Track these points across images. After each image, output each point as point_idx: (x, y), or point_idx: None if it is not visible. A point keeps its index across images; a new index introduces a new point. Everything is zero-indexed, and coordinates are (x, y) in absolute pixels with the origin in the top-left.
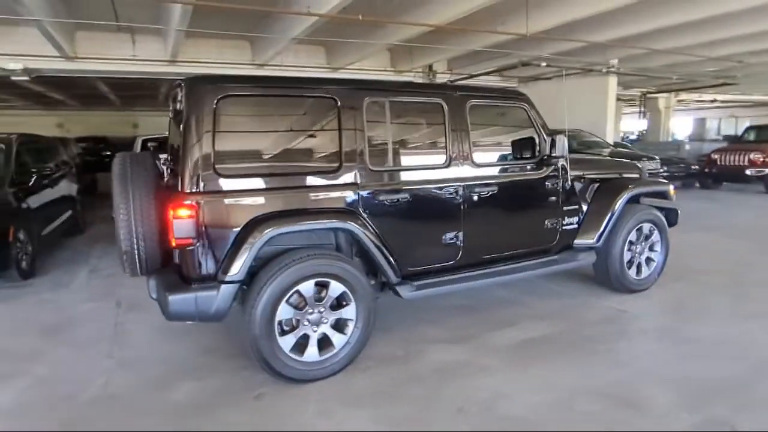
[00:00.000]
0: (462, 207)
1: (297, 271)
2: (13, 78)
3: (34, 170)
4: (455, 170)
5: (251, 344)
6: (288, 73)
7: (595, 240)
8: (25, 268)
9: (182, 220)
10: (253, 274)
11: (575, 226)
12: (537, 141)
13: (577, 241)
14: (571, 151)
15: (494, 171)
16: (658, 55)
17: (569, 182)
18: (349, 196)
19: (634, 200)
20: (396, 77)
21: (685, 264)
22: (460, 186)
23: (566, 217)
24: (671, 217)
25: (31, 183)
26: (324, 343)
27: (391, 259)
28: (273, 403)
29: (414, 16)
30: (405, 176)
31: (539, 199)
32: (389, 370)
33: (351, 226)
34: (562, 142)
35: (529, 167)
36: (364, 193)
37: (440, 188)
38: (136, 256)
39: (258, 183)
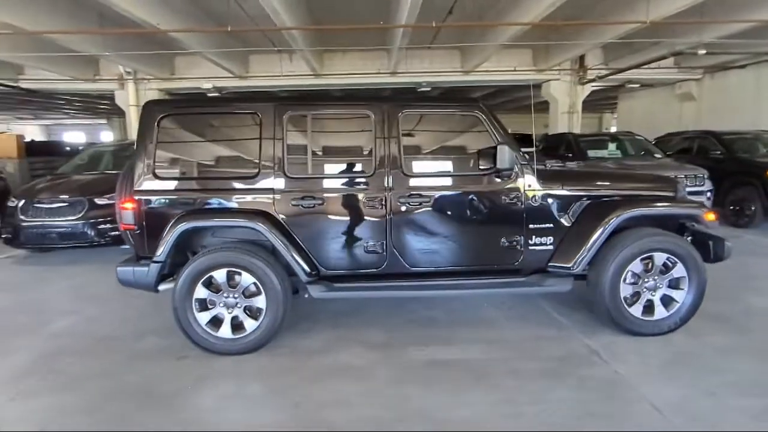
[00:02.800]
0: (388, 216)
1: (209, 260)
2: (209, 94)
3: None
4: (381, 180)
5: (173, 313)
6: (418, 78)
7: (571, 266)
8: None
9: (126, 211)
10: None
11: (549, 247)
12: (493, 152)
13: (552, 265)
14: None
15: (431, 182)
16: None
17: (538, 197)
18: (266, 199)
19: (673, 225)
20: (536, 76)
21: None
22: (385, 195)
23: (534, 237)
24: (718, 249)
25: None
26: (239, 324)
27: (300, 258)
28: (184, 364)
29: (510, 15)
30: (324, 183)
31: (490, 214)
32: (293, 359)
33: (254, 224)
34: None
35: (477, 179)
36: (279, 197)
37: (362, 196)
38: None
39: (188, 185)
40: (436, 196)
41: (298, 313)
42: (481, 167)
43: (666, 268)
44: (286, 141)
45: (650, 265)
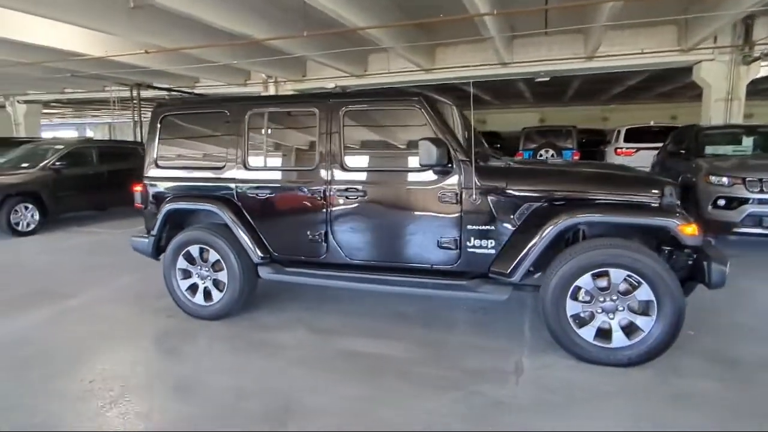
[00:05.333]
0: (327, 208)
1: (184, 237)
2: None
3: None
4: (322, 173)
5: (163, 278)
6: (533, 67)
7: (507, 272)
8: None
9: (137, 192)
10: None
11: (491, 250)
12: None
13: (493, 270)
14: None
15: (367, 176)
16: None
17: (477, 196)
18: (229, 187)
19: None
20: (681, 57)
21: None
22: (325, 188)
23: (473, 238)
24: (709, 272)
25: None
26: (209, 293)
27: (252, 241)
28: (167, 321)
29: None
30: (274, 175)
31: (425, 211)
32: (244, 330)
33: (215, 209)
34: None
35: (412, 174)
36: (239, 186)
37: (305, 188)
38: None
39: (178, 174)
40: (372, 190)
41: (294, 295)
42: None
43: (633, 288)
44: (247, 136)
45: (607, 283)
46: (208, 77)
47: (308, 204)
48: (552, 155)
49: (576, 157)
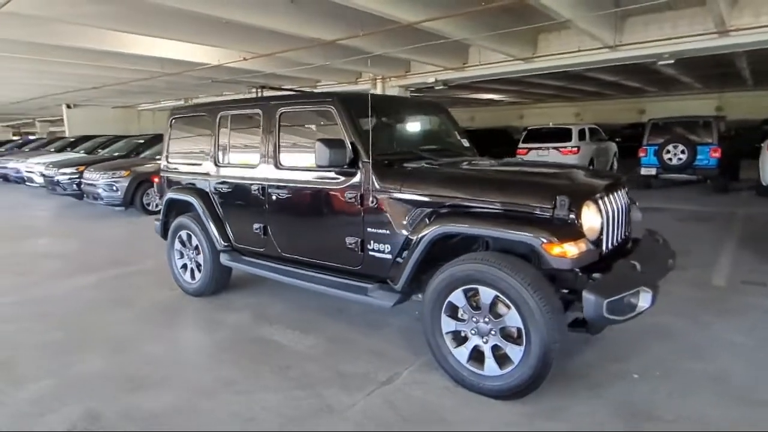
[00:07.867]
0: (266, 204)
1: (176, 223)
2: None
3: None
4: (262, 171)
5: (166, 257)
6: (652, 49)
7: (393, 280)
8: None
9: (156, 184)
10: None
11: (387, 255)
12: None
13: (389, 276)
14: None
15: (294, 175)
16: None
17: (375, 199)
18: (205, 181)
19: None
20: None
21: None
22: (263, 185)
23: (373, 242)
24: (583, 303)
25: None
26: (194, 273)
27: (216, 229)
28: (167, 293)
29: None
30: (233, 172)
31: (334, 212)
32: (216, 308)
33: (190, 199)
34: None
35: (323, 175)
36: (211, 180)
37: (251, 185)
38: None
39: (179, 168)
40: (296, 189)
41: (272, 282)
42: (337, 162)
43: (508, 309)
44: (217, 136)
45: (482, 303)
46: (323, 77)
47: (254, 199)
48: (682, 151)
49: (715, 155)
